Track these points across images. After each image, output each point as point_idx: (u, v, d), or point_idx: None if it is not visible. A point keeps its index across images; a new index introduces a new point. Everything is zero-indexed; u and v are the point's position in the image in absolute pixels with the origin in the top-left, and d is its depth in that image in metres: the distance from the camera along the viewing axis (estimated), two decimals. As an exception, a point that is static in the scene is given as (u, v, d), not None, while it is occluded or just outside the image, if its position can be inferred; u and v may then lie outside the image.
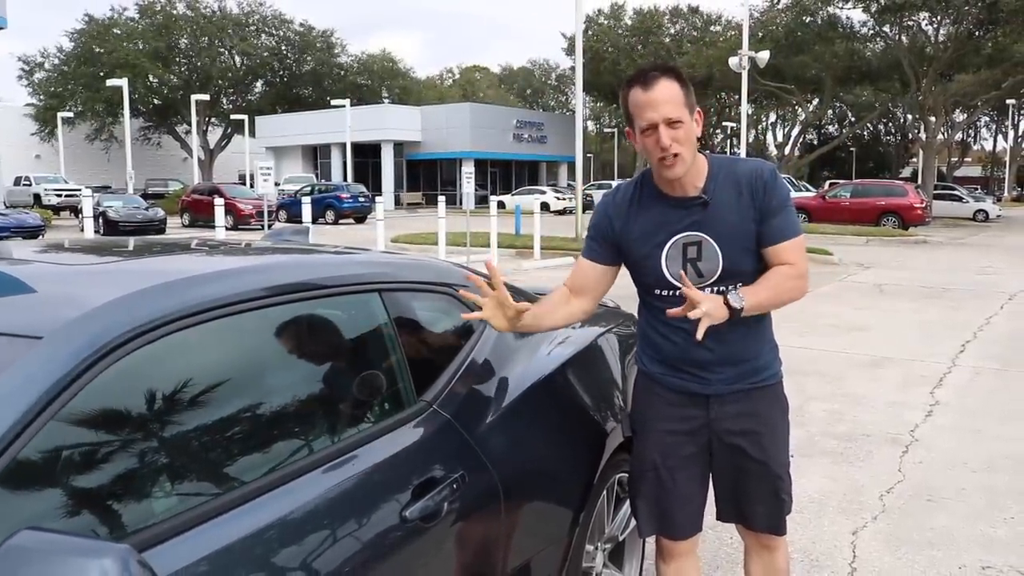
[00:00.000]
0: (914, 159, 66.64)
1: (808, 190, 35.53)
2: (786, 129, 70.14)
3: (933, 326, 9.90)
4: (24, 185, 40.92)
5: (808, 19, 41.10)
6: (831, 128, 73.65)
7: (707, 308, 2.13)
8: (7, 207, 27.68)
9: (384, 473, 1.91)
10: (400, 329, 2.21)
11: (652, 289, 2.43)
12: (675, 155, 2.24)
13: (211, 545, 1.47)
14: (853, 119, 67.67)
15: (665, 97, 2.22)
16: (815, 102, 52.53)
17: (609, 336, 3.14)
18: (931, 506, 4.40)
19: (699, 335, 2.13)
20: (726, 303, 2.20)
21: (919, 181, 40.24)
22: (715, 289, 2.34)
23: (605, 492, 2.78)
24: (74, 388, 1.41)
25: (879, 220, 27.81)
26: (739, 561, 2.81)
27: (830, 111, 63.53)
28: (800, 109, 55.77)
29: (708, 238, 2.33)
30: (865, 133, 73.75)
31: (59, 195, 38.13)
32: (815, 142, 67.97)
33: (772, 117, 71.15)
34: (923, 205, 28.47)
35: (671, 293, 2.38)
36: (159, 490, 1.55)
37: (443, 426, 2.13)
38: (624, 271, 2.54)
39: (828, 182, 42.07)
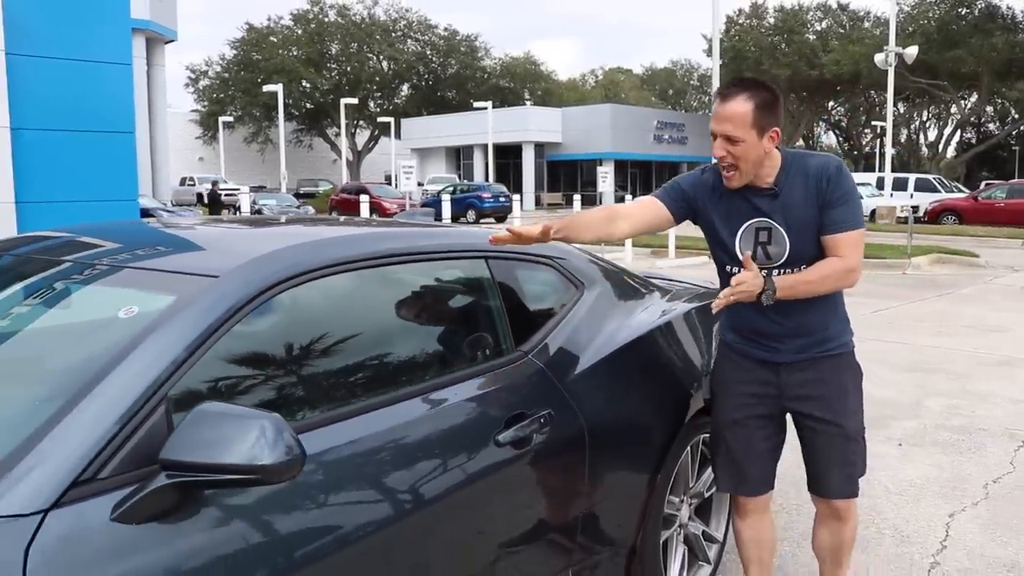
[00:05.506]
0: (1086, 158, 62.40)
1: (960, 191, 33.87)
2: (940, 127, 66.93)
3: (1077, 329, 9.52)
4: (188, 185, 43.89)
5: (964, 11, 39.27)
6: (991, 126, 69.74)
7: (745, 285, 2.46)
8: (173, 205, 29.85)
9: (481, 404, 2.31)
10: (503, 290, 2.61)
11: (725, 266, 2.73)
12: (731, 166, 2.54)
13: (342, 438, 1.91)
14: (1016, 116, 63.93)
15: (729, 114, 2.51)
16: (973, 98, 50.01)
17: (700, 308, 3.43)
18: (1037, 496, 4.43)
19: (717, 303, 2.49)
20: (760, 293, 2.49)
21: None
22: (782, 271, 2.61)
23: (689, 449, 3.07)
24: (240, 315, 1.87)
25: (1038, 223, 26.29)
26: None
27: (989, 108, 60.20)
28: (955, 106, 53.17)
29: (777, 225, 2.61)
30: (1029, 131, 69.52)
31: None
32: (973, 141, 64.54)
33: (925, 115, 68.03)
34: (1089, 206, 26.73)
35: (739, 270, 2.66)
36: (301, 393, 2.03)
37: (536, 372, 2.50)
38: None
39: (984, 183, 39.95)
